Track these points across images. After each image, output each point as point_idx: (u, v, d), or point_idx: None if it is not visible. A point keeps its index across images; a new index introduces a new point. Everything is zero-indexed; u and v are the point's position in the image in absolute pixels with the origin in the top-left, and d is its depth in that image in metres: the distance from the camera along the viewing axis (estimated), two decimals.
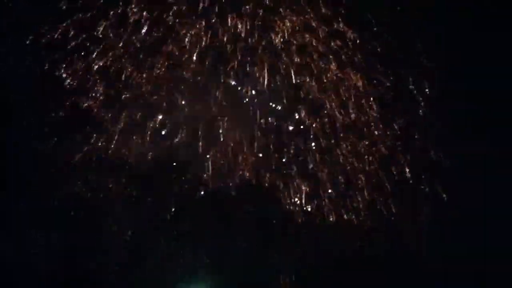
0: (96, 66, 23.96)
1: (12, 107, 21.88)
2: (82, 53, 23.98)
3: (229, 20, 24.28)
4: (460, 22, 23.28)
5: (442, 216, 21.98)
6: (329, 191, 22.75)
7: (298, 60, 24.07)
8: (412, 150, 23.56)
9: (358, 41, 24.15)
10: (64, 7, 24.27)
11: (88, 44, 24.17)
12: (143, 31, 24.40)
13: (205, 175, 22.83)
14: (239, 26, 24.22)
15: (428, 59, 23.80)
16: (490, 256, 21.31)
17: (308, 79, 23.97)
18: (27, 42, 23.61)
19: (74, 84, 23.62)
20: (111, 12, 24.37)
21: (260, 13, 24.30)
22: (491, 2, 23.35)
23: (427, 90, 23.87)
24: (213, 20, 24.32)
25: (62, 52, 23.79)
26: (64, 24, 24.03)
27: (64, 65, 23.60)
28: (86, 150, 22.36)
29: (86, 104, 23.19)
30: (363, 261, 20.91)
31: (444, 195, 22.66)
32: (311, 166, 23.11)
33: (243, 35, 24.23)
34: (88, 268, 20.46)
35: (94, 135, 22.75)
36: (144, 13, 24.43)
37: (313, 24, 24.36)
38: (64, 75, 23.52)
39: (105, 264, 20.62)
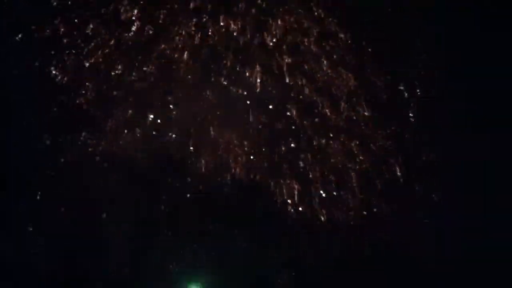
0: (88, 64, 23.97)
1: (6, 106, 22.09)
2: (73, 51, 23.99)
3: (221, 19, 24.36)
4: (458, 21, 23.63)
5: (439, 217, 22.66)
6: (321, 191, 23.30)
7: (290, 59, 24.27)
8: (405, 150, 24.06)
9: (349, 41, 24.38)
10: (55, 3, 24.27)
11: (79, 42, 24.15)
12: (135, 29, 24.38)
13: (198, 174, 23.20)
14: (232, 25, 24.33)
15: (423, 59, 24.18)
16: (490, 256, 21.90)
17: (300, 79, 24.21)
18: (17, 39, 23.59)
19: (65, 81, 23.64)
20: (103, 10, 24.37)
21: (253, 13, 24.39)
22: (491, 2, 23.61)
23: (418, 91, 24.34)
24: (205, 19, 24.39)
25: (53, 49, 23.81)
26: (55, 22, 24.01)
27: (56, 63, 23.65)
28: (85, 149, 22.75)
29: (77, 102, 23.44)
30: (362, 261, 21.77)
31: (440, 195, 23.31)
32: (302, 165, 23.58)
33: (235, 34, 24.32)
34: (88, 268, 21.02)
35: (94, 134, 23.06)
36: (136, 11, 24.42)
37: (306, 24, 24.52)
38: (56, 73, 23.59)
39: (105, 264, 21.15)
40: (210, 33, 24.28)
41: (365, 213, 23.04)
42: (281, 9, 24.51)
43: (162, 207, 22.40)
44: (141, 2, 24.40)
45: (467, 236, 21.68)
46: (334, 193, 23.26)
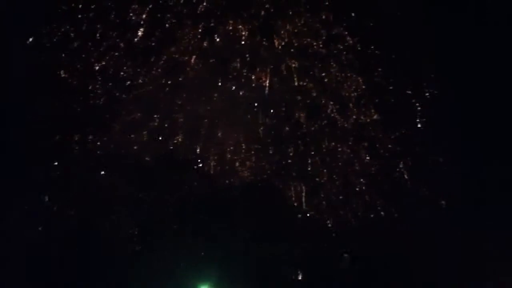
0: (97, 67, 24.11)
1: (12, 107, 22.13)
2: (83, 54, 24.18)
3: (229, 22, 24.40)
4: (467, 25, 23.39)
5: (442, 219, 22.15)
6: (328, 194, 22.90)
7: (299, 63, 24.19)
8: (413, 153, 23.66)
9: (358, 45, 24.28)
10: (66, 8, 24.60)
11: (89, 45, 24.35)
12: (143, 32, 24.53)
13: (204, 176, 22.98)
14: (240, 28, 24.37)
15: (432, 63, 23.94)
16: (491, 258, 21.41)
17: (308, 82, 24.08)
18: (28, 43, 23.87)
19: (75, 84, 23.76)
20: (112, 14, 24.62)
21: (261, 16, 24.43)
22: (491, 2, 23.48)
23: (426, 94, 24.07)
24: (213, 23, 24.44)
25: (64, 52, 24.03)
26: (66, 26, 24.30)
27: (65, 66, 23.82)
28: (87, 149, 22.72)
29: (87, 105, 23.50)
30: (364, 263, 21.23)
31: (444, 198, 22.86)
32: (310, 168, 23.25)
33: (243, 37, 24.32)
34: (88, 267, 20.64)
35: (96, 135, 23.03)
36: (144, 16, 24.63)
37: (314, 27, 24.48)
38: (65, 76, 23.73)
39: (105, 264, 20.77)
40: (218, 37, 24.36)
41: (372, 215, 22.57)
42: (289, 13, 24.55)
43: (168, 207, 22.11)
44: (150, 6, 24.59)
45: (472, 236, 21.26)
46: (341, 196, 22.90)
